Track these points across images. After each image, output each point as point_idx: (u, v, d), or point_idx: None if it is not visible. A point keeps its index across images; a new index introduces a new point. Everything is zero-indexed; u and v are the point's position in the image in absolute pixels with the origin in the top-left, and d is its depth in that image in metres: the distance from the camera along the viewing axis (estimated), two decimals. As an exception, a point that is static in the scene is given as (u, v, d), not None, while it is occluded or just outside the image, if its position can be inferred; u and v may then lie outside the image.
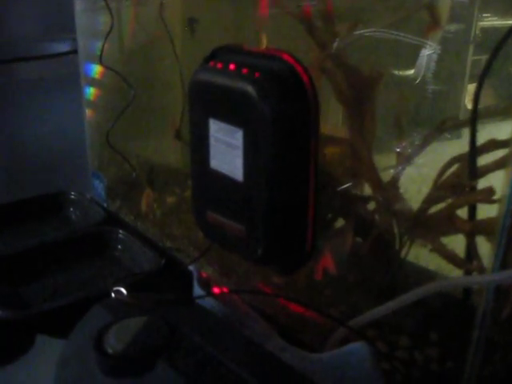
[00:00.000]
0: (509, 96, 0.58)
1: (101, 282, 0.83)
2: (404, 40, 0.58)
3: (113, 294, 0.65)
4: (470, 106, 0.61)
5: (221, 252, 0.78)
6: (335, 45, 0.62)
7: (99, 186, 1.06)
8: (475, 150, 0.57)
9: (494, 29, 0.55)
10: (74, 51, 1.14)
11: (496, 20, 0.56)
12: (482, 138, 0.57)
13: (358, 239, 0.68)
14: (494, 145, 0.55)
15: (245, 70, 0.58)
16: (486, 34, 0.57)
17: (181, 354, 0.49)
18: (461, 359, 0.55)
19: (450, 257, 0.58)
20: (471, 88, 0.60)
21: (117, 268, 0.87)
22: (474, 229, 0.56)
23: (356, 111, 0.64)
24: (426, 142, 0.62)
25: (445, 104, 0.62)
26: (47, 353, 0.70)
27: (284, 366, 0.52)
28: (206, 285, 0.67)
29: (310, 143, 0.60)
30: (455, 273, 0.60)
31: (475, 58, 0.59)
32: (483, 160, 0.57)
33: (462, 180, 0.57)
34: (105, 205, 1.05)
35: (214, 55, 0.66)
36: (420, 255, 0.63)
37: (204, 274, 0.69)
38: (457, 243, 0.59)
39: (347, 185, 0.68)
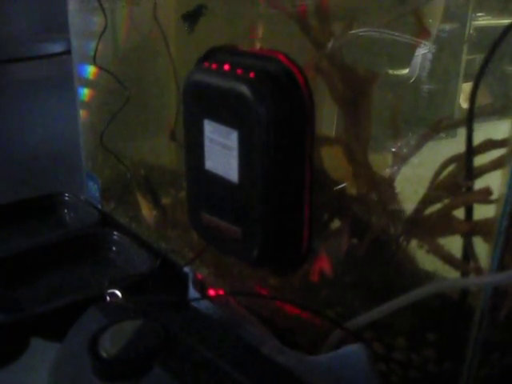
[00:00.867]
0: (504, 95, 0.58)
1: (95, 283, 0.82)
2: (398, 39, 0.58)
3: (107, 297, 0.64)
4: (464, 105, 0.61)
5: (216, 253, 0.78)
6: (330, 44, 0.62)
7: (93, 188, 1.05)
8: (472, 150, 0.56)
9: (488, 28, 0.55)
10: (68, 52, 1.14)
11: (490, 19, 0.56)
12: (478, 137, 0.57)
13: (355, 240, 0.67)
14: (490, 145, 0.55)
15: (239, 71, 0.57)
16: (481, 34, 0.57)
17: (176, 357, 0.49)
18: (458, 360, 0.55)
19: (447, 258, 0.58)
20: (466, 87, 0.60)
21: (111, 269, 0.86)
22: (471, 229, 0.56)
23: (351, 111, 0.64)
24: (422, 142, 0.62)
25: (439, 103, 0.62)
26: (42, 356, 0.70)
27: (280, 368, 0.51)
28: (202, 287, 0.67)
29: (305, 144, 0.59)
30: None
31: (469, 57, 0.59)
32: (479, 160, 0.57)
33: (459, 180, 0.57)
34: (99, 206, 1.05)
35: (208, 56, 0.65)
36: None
37: (199, 276, 0.69)
38: (453, 244, 0.59)
39: (342, 185, 0.68)
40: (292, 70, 0.57)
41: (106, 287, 0.65)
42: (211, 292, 0.67)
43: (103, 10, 0.90)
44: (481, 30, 0.56)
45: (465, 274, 0.57)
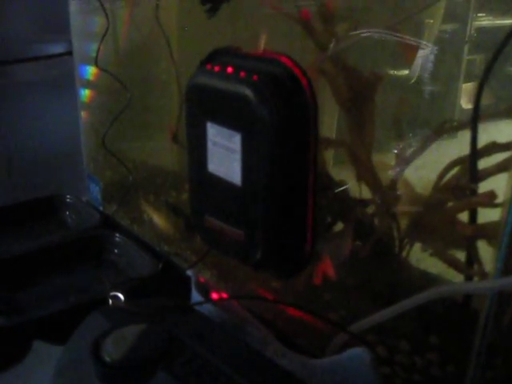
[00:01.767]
0: (508, 97, 0.58)
1: (97, 286, 0.82)
2: (400, 40, 0.57)
3: (110, 300, 0.64)
4: (465, 105, 0.60)
5: (218, 256, 0.77)
6: (332, 46, 0.61)
7: (95, 190, 1.05)
8: (476, 153, 0.56)
9: (489, 29, 0.55)
10: (69, 53, 1.13)
11: (491, 20, 0.56)
12: (481, 139, 0.57)
13: (358, 243, 0.67)
14: (495, 148, 0.54)
15: (242, 74, 0.57)
16: (481, 34, 0.56)
17: (180, 362, 0.49)
18: (462, 364, 0.54)
19: (451, 261, 0.57)
20: (466, 87, 0.60)
21: (113, 272, 0.86)
22: (475, 233, 0.55)
23: (355, 113, 0.64)
24: (426, 144, 0.62)
25: (440, 104, 0.61)
26: (44, 359, 0.69)
27: (283, 372, 0.51)
28: (204, 290, 0.67)
29: (308, 146, 0.59)
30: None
31: (470, 57, 0.59)
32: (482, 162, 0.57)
33: (463, 183, 0.57)
34: (100, 208, 1.04)
35: (210, 58, 0.65)
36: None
37: (202, 279, 0.69)
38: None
39: (344, 187, 0.67)
40: (295, 72, 0.57)
41: (109, 290, 0.65)
42: (214, 295, 0.67)
43: (105, 11, 0.89)
44: (482, 30, 0.56)
45: (469, 277, 0.57)
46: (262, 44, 0.65)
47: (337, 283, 0.67)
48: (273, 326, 0.66)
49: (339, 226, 0.68)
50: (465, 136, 0.57)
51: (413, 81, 0.59)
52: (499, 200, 0.53)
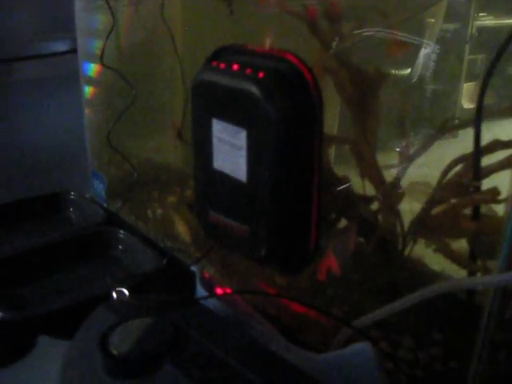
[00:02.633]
0: (510, 96, 0.58)
1: (102, 282, 0.82)
2: (402, 39, 0.58)
3: (114, 295, 0.65)
4: (466, 105, 0.61)
5: (223, 252, 0.78)
6: (335, 44, 0.62)
7: (99, 186, 1.06)
8: (479, 151, 0.57)
9: (490, 28, 0.55)
10: (73, 50, 1.14)
11: (492, 19, 0.56)
12: (484, 137, 0.57)
13: (362, 239, 0.68)
14: (498, 145, 0.55)
15: (249, 70, 0.57)
16: (483, 34, 0.57)
17: (187, 355, 0.49)
18: (464, 359, 0.55)
19: (455, 257, 0.58)
20: (467, 87, 0.60)
21: (118, 268, 0.86)
22: (479, 229, 0.56)
23: (359, 111, 0.64)
24: (428, 143, 0.62)
25: (441, 103, 0.62)
26: (49, 354, 0.70)
27: (289, 366, 0.52)
28: (209, 285, 0.67)
29: (314, 143, 0.59)
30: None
31: (471, 57, 0.59)
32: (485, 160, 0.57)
33: (467, 180, 0.57)
34: (105, 205, 1.05)
35: (216, 55, 0.65)
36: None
37: (207, 275, 0.69)
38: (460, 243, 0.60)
39: (346, 185, 0.68)
40: (301, 69, 0.57)
41: (113, 286, 0.66)
42: (218, 290, 0.67)
43: (110, 8, 0.90)
44: (483, 30, 0.56)
45: (472, 273, 0.58)
46: (268, 41, 0.66)
47: (341, 279, 0.67)
48: (277, 321, 0.66)
49: (343, 223, 0.69)
50: (466, 135, 0.58)
51: (414, 80, 0.59)
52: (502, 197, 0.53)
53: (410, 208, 0.63)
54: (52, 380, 0.57)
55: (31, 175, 1.19)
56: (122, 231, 0.90)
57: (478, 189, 0.57)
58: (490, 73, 0.54)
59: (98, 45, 0.98)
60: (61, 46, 1.24)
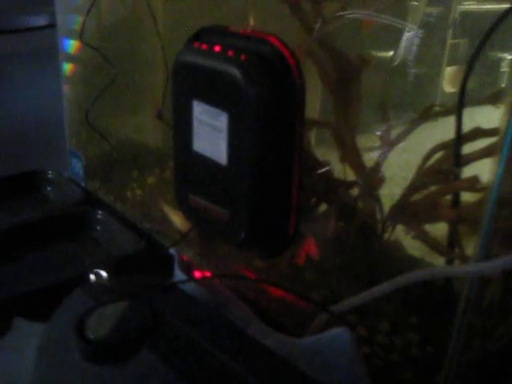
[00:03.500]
0: (493, 83, 0.58)
1: (79, 263, 0.82)
2: (384, 22, 0.57)
3: (92, 276, 0.64)
4: (447, 88, 0.61)
5: (202, 235, 0.78)
6: (318, 26, 0.61)
7: (77, 165, 1.04)
8: (460, 138, 0.57)
9: (472, 13, 0.55)
10: (51, 25, 1.11)
11: (475, 4, 0.56)
12: (464, 124, 0.57)
13: (341, 224, 0.67)
14: (479, 133, 0.55)
15: (230, 53, 0.57)
16: (465, 18, 0.57)
17: (164, 339, 0.49)
18: (441, 345, 0.56)
19: (433, 244, 0.58)
20: (449, 71, 0.60)
21: (95, 249, 0.85)
22: (458, 217, 0.56)
23: (341, 95, 0.64)
24: (410, 128, 0.62)
25: (422, 86, 0.62)
26: (25, 336, 0.69)
27: (267, 351, 0.52)
28: (187, 268, 0.67)
29: (295, 127, 0.59)
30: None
31: (453, 41, 0.59)
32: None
33: (447, 167, 0.57)
34: (83, 184, 1.04)
35: (198, 36, 0.64)
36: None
37: (185, 258, 0.69)
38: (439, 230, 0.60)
39: (325, 168, 0.67)
40: (284, 53, 0.56)
41: (91, 268, 0.65)
42: (197, 274, 0.67)
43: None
44: (466, 14, 0.56)
45: (450, 261, 0.58)
46: (250, 23, 0.65)
47: (319, 263, 0.67)
48: (255, 305, 0.66)
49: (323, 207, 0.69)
50: (447, 119, 0.58)
51: (396, 63, 0.59)
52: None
53: (389, 193, 0.63)
54: (28, 362, 0.56)
55: (7, 153, 1.17)
56: (100, 212, 0.89)
57: (457, 176, 0.57)
58: (473, 60, 0.53)
59: (78, 20, 0.96)
60: (39, 21, 1.21)
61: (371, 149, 0.64)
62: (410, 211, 0.61)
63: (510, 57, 0.53)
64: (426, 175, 0.60)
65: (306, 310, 0.64)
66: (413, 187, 0.61)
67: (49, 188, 1.03)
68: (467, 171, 0.57)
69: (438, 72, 0.60)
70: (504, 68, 0.55)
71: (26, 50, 1.19)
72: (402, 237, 0.62)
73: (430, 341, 0.60)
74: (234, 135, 0.58)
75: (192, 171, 0.65)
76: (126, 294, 0.55)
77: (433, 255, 0.59)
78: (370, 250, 0.65)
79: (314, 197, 0.68)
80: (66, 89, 1.07)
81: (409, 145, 0.62)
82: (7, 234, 0.84)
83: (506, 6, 0.50)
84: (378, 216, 0.65)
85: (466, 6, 0.56)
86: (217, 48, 0.58)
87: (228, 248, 0.75)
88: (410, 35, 0.57)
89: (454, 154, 0.57)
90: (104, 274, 0.65)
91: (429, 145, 0.60)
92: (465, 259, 0.55)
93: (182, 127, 0.64)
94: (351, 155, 0.66)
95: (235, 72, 0.55)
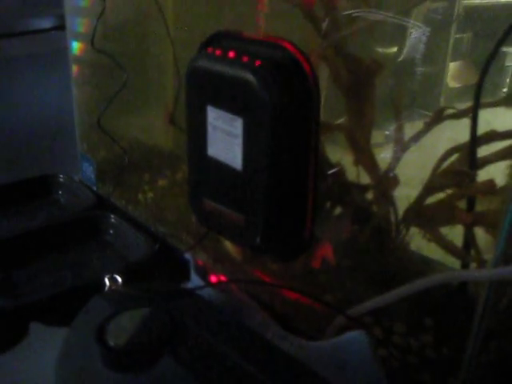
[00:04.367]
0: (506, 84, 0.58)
1: (93, 268, 0.82)
2: (390, 19, 0.57)
3: (107, 281, 0.64)
4: (452, 84, 0.61)
5: (216, 239, 0.78)
6: (326, 28, 0.61)
7: (88, 169, 1.04)
8: (475, 141, 0.57)
9: (477, 7, 0.55)
10: (60, 27, 1.11)
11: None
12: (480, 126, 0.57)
13: (356, 227, 0.68)
14: (495, 136, 0.55)
15: (245, 58, 0.57)
16: (469, 13, 0.56)
17: (185, 346, 0.49)
18: (458, 347, 0.56)
19: (449, 248, 0.58)
20: (453, 66, 0.60)
21: (109, 253, 0.85)
22: (474, 220, 0.56)
23: (355, 99, 0.64)
24: (424, 130, 0.62)
25: (427, 82, 0.62)
26: (41, 341, 0.70)
27: (286, 356, 0.52)
28: (203, 273, 0.67)
29: (310, 131, 0.59)
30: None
31: (458, 35, 0.59)
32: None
33: (463, 170, 0.57)
34: (94, 188, 1.04)
35: (211, 40, 0.64)
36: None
37: (200, 262, 0.69)
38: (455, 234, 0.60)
39: (335, 169, 0.68)
40: (298, 58, 0.57)
41: (106, 273, 0.65)
42: (213, 278, 0.67)
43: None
44: (470, 9, 0.56)
45: (465, 264, 0.58)
46: (263, 27, 0.65)
47: (335, 267, 0.67)
48: (271, 309, 0.66)
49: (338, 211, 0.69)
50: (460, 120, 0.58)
51: (400, 59, 0.59)
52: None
53: (406, 195, 0.63)
54: (44, 367, 0.56)
55: (19, 157, 1.18)
56: (113, 216, 0.89)
57: (473, 179, 0.57)
58: (490, 61, 0.53)
59: (85, 22, 0.97)
60: (48, 23, 1.21)
61: (382, 147, 0.64)
62: (425, 214, 0.61)
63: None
64: (442, 177, 0.60)
65: (321, 313, 0.64)
66: (427, 189, 0.62)
67: (60, 192, 1.03)
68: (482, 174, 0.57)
69: (442, 67, 0.60)
70: (509, 62, 0.55)
71: (36, 52, 1.19)
72: (419, 240, 0.62)
73: (447, 343, 0.60)
74: (249, 140, 0.58)
75: (207, 176, 0.65)
76: (143, 300, 0.55)
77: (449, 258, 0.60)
78: (385, 253, 0.65)
79: (329, 200, 0.68)
80: (76, 92, 1.07)
81: (422, 145, 0.62)
82: (20, 240, 0.84)
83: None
84: (393, 218, 0.65)
85: (471, 1, 0.56)
86: (231, 54, 0.58)
87: (242, 252, 0.75)
88: (413, 31, 0.57)
89: (469, 156, 0.57)
90: (119, 279, 0.65)
91: (442, 146, 0.60)
92: (482, 263, 0.55)
93: (197, 132, 0.64)
94: (365, 158, 0.66)
95: (250, 78, 0.55)
